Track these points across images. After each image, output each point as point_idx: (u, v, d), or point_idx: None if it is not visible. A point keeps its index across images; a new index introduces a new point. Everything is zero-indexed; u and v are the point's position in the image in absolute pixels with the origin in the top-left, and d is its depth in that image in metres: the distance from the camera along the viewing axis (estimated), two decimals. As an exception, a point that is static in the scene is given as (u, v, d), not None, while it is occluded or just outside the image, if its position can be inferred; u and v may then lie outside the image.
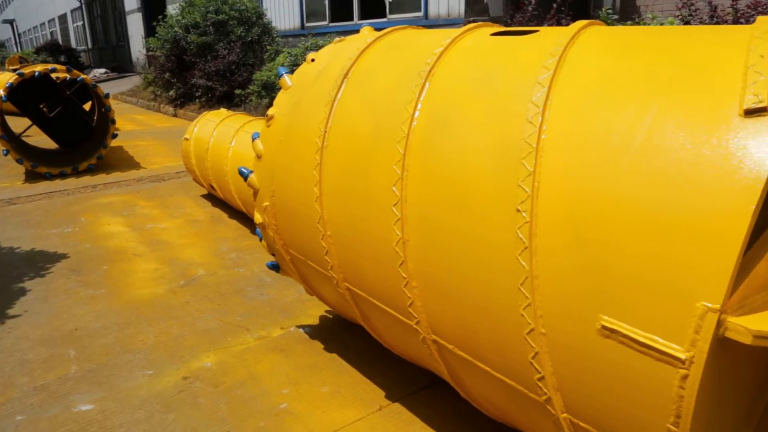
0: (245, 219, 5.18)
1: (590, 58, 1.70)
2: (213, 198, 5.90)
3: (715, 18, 4.75)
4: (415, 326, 1.98)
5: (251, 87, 10.37)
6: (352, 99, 2.31)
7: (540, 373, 1.54)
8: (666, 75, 1.47)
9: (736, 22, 4.69)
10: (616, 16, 5.61)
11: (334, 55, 2.69)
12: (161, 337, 3.15)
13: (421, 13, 11.24)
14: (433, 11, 10.94)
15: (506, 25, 9.14)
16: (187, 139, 5.70)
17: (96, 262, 4.27)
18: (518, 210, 1.55)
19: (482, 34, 2.22)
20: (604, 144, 1.44)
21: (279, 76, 2.81)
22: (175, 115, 12.52)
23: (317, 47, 9.11)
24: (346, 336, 3.13)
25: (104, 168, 7.40)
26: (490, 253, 1.62)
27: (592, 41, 1.79)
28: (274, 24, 13.23)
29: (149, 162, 7.81)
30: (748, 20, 4.59)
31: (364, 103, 2.25)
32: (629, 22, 5.93)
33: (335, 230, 2.26)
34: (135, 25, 22.99)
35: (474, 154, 1.74)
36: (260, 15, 12.63)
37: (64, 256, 4.38)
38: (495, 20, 9.39)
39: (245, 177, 2.83)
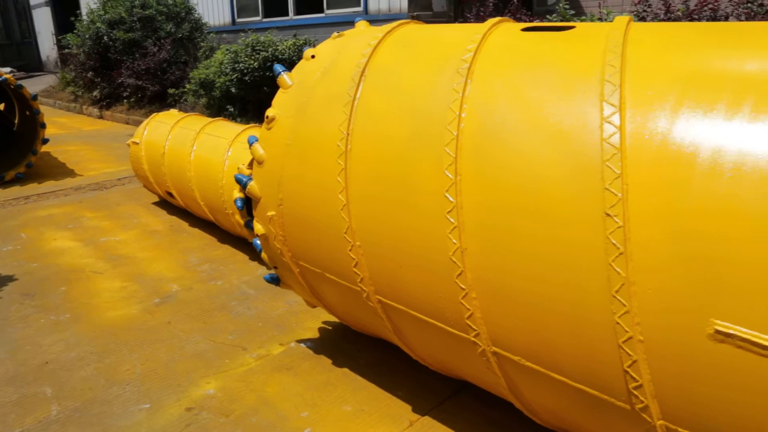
0: (208, 227, 4.86)
1: (653, 54, 1.65)
2: (168, 205, 5.50)
3: (668, 14, 4.96)
4: (473, 339, 1.87)
5: (188, 86, 9.82)
6: (376, 99, 2.16)
7: (637, 381, 1.47)
8: (752, 69, 1.45)
9: (689, 18, 4.92)
10: (573, 12, 5.74)
11: (338, 51, 2.52)
12: (149, 364, 2.85)
13: (360, 8, 11.10)
14: (373, 6, 10.84)
15: (450, 22, 9.16)
16: (136, 143, 5.27)
17: (50, 283, 3.84)
18: (608, 214, 1.48)
19: (511, 29, 2.14)
20: (702, 139, 1.39)
21: (276, 74, 2.60)
22: (101, 117, 11.66)
23: (259, 43, 8.74)
24: (351, 348, 2.97)
25: (34, 177, 6.73)
26: (575, 261, 1.54)
27: (646, 38, 1.75)
28: (205, 20, 12.62)
29: (84, 168, 7.19)
30: (701, 17, 4.83)
31: (392, 103, 2.10)
32: (584, 18, 6.11)
33: (367, 241, 2.10)
34: (43, 20, 21.24)
35: (542, 157, 1.65)
36: (189, 10, 12.00)
37: (10, 279, 3.91)
38: (438, 16, 9.41)
39: (244, 185, 2.60)
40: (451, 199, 1.81)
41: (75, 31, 12.14)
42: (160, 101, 10.84)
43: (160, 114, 5.45)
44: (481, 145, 1.79)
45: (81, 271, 4.01)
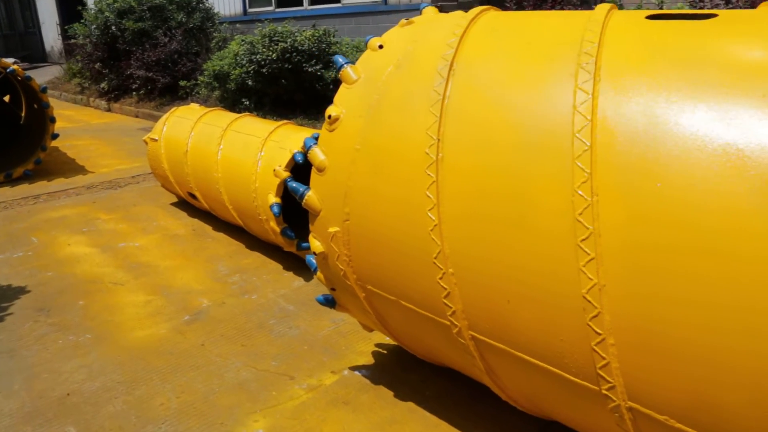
0: (234, 231, 4.51)
1: None
2: (188, 206, 5.15)
3: (730, 4, 4.58)
4: (604, 392, 1.52)
5: (201, 78, 9.44)
6: (474, 98, 1.80)
7: None
8: None
9: (751, 6, 4.54)
10: (620, 2, 5.36)
11: (412, 41, 2.15)
12: (186, 397, 2.51)
13: (379, -1, 10.69)
14: (393, -4, 10.43)
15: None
16: (155, 140, 4.92)
17: (67, 295, 3.49)
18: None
19: (633, 18, 1.79)
20: None
21: (338, 67, 2.24)
22: (108, 110, 11.28)
23: (277, 34, 8.35)
24: (413, 377, 2.62)
25: (43, 174, 6.37)
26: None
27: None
28: (216, 10, 12.21)
29: (96, 165, 6.83)
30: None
31: (495, 103, 1.74)
32: (633, 7, 5.73)
33: (464, 268, 1.75)
34: (47, 9, 20.81)
35: (723, 180, 1.30)
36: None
37: (22, 291, 3.57)
38: (464, 6, 9.02)
39: (300, 195, 2.25)
40: (587, 225, 1.46)
41: (82, 21, 11.75)
42: (170, 94, 10.45)
43: (180, 108, 5.09)
44: (629, 161, 1.43)
45: (100, 282, 3.67)
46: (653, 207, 1.38)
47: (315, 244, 2.27)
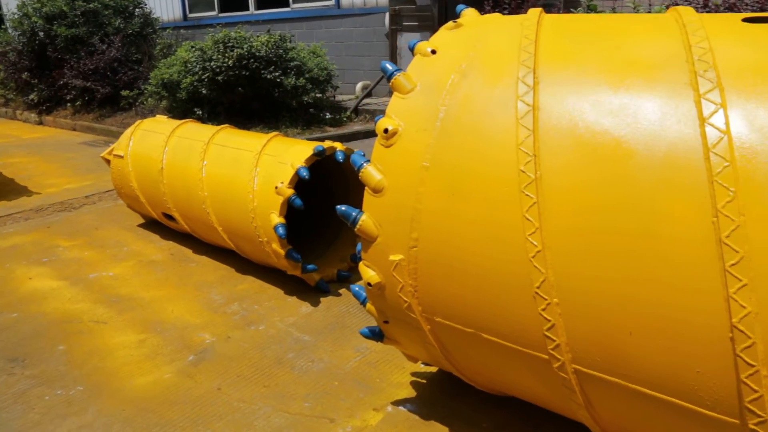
0: (218, 253, 4.14)
1: None
2: (159, 227, 4.71)
3: (707, 7, 4.71)
4: (752, 426, 1.39)
5: (146, 87, 8.84)
6: (570, 108, 1.63)
7: None
8: None
9: (729, 10, 4.68)
10: (596, 3, 5.42)
11: (472, 46, 1.97)
12: (218, 454, 2.20)
13: (332, 2, 10.46)
14: (346, 0, 10.23)
15: (433, 17, 8.70)
16: (120, 157, 4.47)
17: (43, 340, 3.05)
18: None
19: (729, 20, 1.70)
20: None
21: (388, 75, 2.02)
22: (40, 123, 10.39)
23: (231, 39, 7.93)
24: (463, 408, 2.43)
25: (-20, 198, 5.70)
26: None
27: None
28: (155, 14, 11.54)
29: (40, 185, 6.19)
30: (742, 9, 4.59)
31: (597, 113, 1.58)
32: (608, 10, 5.83)
33: (575, 292, 1.57)
34: (-45, 14, 19.06)
35: None
36: (138, 4, 10.92)
37: (-14, 337, 3.09)
38: (422, 10, 8.95)
39: (353, 221, 2.00)
40: (735, 249, 1.32)
41: (2, 27, 10.78)
42: (111, 105, 9.75)
43: (146, 121, 4.66)
44: (781, 173, 1.31)
45: (78, 321, 3.23)
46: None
47: (369, 274, 2.04)
